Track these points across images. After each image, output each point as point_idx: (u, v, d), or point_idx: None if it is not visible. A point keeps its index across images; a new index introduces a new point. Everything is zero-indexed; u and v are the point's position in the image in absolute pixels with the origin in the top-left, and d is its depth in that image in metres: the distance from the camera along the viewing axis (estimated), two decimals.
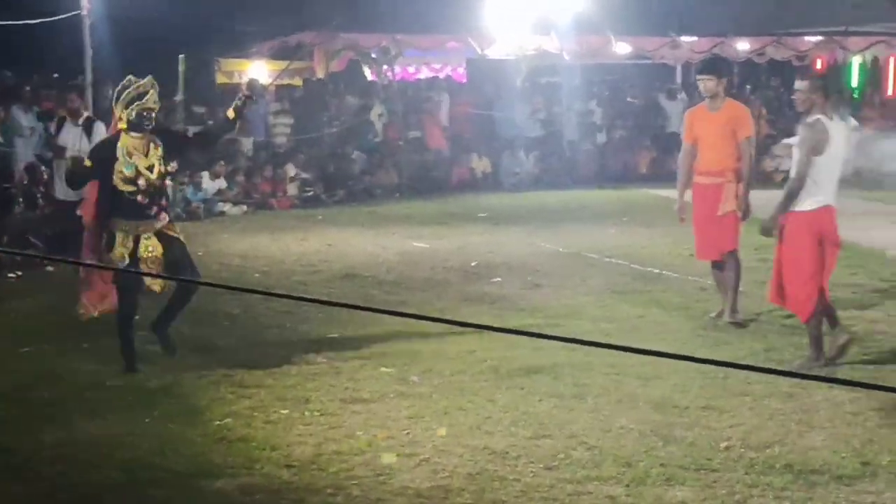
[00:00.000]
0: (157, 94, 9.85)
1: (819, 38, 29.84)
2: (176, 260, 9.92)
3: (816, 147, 9.68)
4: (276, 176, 23.31)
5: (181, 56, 20.53)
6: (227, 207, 21.67)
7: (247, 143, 24.01)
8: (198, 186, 21.48)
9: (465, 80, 31.09)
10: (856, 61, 31.59)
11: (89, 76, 18.18)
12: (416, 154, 26.13)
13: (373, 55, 28.31)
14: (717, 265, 11.73)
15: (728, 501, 6.90)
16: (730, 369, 9.28)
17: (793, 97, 10.26)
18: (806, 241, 9.81)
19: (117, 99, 9.74)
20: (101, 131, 13.32)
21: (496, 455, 7.65)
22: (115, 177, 9.64)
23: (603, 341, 10.55)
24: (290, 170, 23.48)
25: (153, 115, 9.79)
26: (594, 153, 28.07)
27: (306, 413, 8.61)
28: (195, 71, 23.12)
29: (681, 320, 11.58)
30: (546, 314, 12.15)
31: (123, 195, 9.69)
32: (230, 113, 10.28)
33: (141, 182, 9.66)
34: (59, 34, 19.93)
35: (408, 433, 8.12)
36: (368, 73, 29.32)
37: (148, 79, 9.89)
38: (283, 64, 27.94)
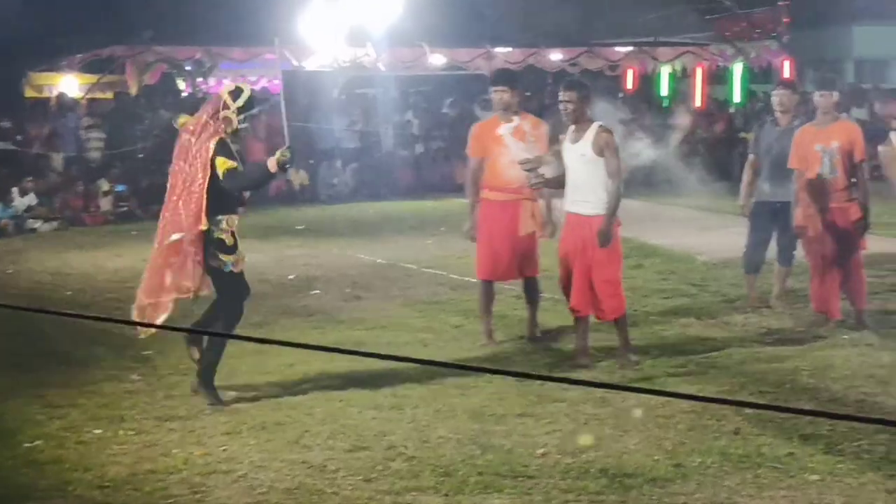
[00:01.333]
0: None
1: (630, 48, 30.46)
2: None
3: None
4: (88, 191, 22.89)
5: None
6: (37, 224, 21.18)
7: (57, 159, 23.53)
8: (7, 203, 20.97)
9: (279, 93, 30.88)
10: (665, 71, 32.31)
11: None
12: None
13: (187, 68, 28.03)
14: (488, 284, 11.43)
15: None
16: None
17: (560, 107, 10.24)
18: (616, 242, 10.09)
19: (239, 105, 9.34)
20: None
21: (314, 469, 7.61)
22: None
23: (423, 352, 10.68)
24: (104, 184, 23.08)
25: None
26: (412, 164, 28.17)
27: (121, 432, 8.46)
28: (1, 84, 22.59)
29: (498, 329, 11.64)
30: (365, 326, 12.15)
31: (236, 199, 9.56)
32: (272, 165, 9.44)
33: None
34: None
35: (224, 449, 8.03)
36: (183, 86, 28.99)
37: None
38: (94, 77, 27.51)
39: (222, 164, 9.20)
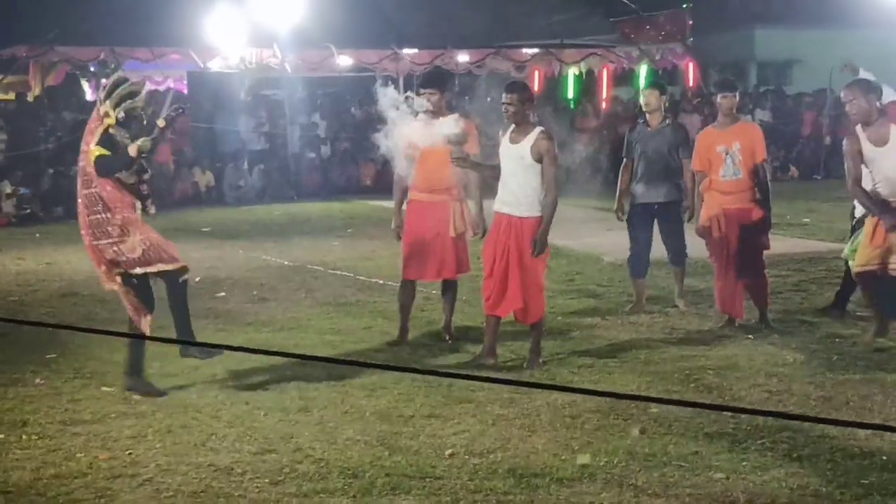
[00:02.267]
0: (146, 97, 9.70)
1: (536, 50, 30.60)
2: None
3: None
4: None
5: None
6: None
7: None
8: None
9: (186, 94, 30.67)
10: (571, 73, 32.49)
11: None
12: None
13: (91, 68, 27.73)
14: (411, 283, 11.38)
15: None
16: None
17: (502, 108, 10.25)
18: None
19: (108, 95, 9.36)
20: None
21: (221, 472, 7.56)
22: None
23: (330, 353, 10.66)
24: (6, 187, 22.79)
25: (141, 115, 9.69)
26: (318, 166, 28.11)
27: (24, 437, 8.35)
28: None
29: None
30: (272, 328, 12.10)
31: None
32: (133, 150, 9.47)
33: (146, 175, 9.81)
34: None
35: (130, 453, 7.95)
36: (87, 87, 28.68)
37: (142, 80, 9.79)
38: None
39: (95, 151, 9.37)
